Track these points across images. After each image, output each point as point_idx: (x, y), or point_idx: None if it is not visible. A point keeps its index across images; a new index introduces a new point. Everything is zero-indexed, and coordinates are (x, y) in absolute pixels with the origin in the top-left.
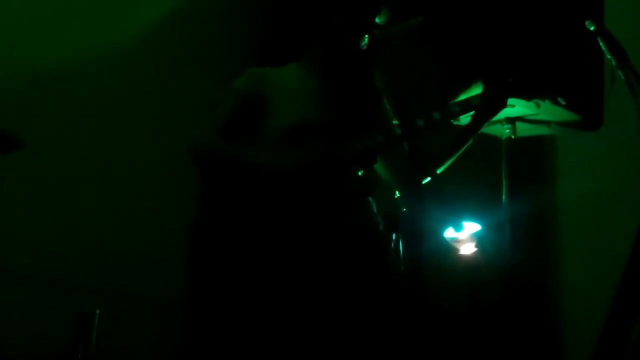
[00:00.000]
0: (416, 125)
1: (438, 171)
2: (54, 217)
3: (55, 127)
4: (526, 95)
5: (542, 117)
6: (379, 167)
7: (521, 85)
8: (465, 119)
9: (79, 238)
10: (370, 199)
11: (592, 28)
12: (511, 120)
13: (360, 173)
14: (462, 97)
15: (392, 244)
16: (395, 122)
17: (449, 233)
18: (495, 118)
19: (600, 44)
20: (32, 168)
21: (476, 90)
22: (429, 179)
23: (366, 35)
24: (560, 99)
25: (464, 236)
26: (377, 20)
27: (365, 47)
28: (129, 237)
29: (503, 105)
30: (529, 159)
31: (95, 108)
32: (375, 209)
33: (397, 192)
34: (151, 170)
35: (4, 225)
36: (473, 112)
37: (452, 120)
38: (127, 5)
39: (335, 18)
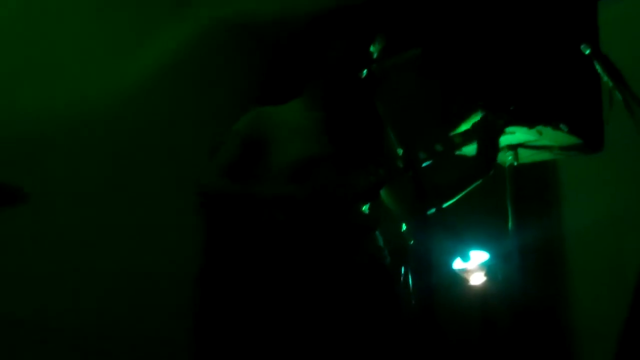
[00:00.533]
0: (419, 158)
1: (444, 205)
2: (58, 269)
3: (57, 178)
4: (529, 123)
5: (544, 142)
6: (386, 199)
7: (523, 113)
8: (467, 148)
9: (82, 290)
10: (376, 233)
11: (587, 52)
12: (513, 147)
13: (365, 208)
14: (464, 126)
15: (402, 277)
16: (400, 152)
17: (457, 264)
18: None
19: (597, 67)
20: (34, 221)
21: (476, 118)
22: (433, 210)
23: (364, 67)
24: (562, 125)
25: (473, 266)
26: (372, 49)
27: (364, 78)
28: (133, 288)
29: (501, 132)
30: (533, 185)
31: (99, 156)
32: (381, 243)
33: (404, 225)
34: (155, 218)
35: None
36: (475, 142)
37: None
38: (128, 50)
39: (331, 51)
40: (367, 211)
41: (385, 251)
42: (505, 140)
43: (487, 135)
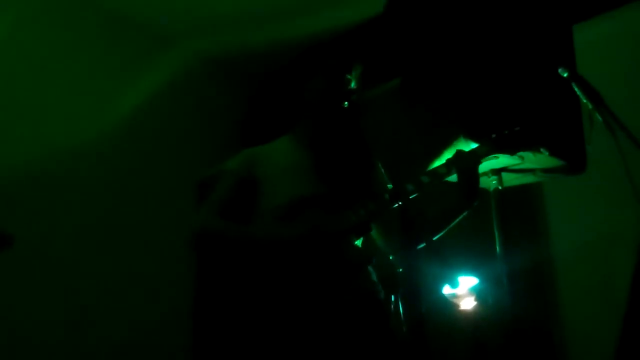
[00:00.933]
0: (406, 190)
1: (434, 238)
2: (47, 314)
3: (43, 222)
4: (510, 150)
5: (527, 165)
6: (373, 232)
7: (504, 141)
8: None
9: (72, 334)
10: (369, 267)
11: (565, 75)
12: (497, 172)
13: (357, 242)
14: (446, 154)
15: (392, 306)
16: (387, 184)
17: (446, 290)
18: (481, 171)
19: (575, 89)
20: (20, 266)
21: (459, 146)
22: (424, 244)
23: (344, 99)
24: (542, 149)
25: (463, 291)
26: (351, 80)
27: (346, 110)
28: (125, 328)
29: (479, 162)
30: (519, 208)
31: (84, 199)
32: (374, 278)
33: (391, 255)
34: (143, 258)
35: None
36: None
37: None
38: (112, 89)
39: (310, 89)
40: (359, 246)
41: (379, 286)
42: (488, 164)
43: (466, 166)
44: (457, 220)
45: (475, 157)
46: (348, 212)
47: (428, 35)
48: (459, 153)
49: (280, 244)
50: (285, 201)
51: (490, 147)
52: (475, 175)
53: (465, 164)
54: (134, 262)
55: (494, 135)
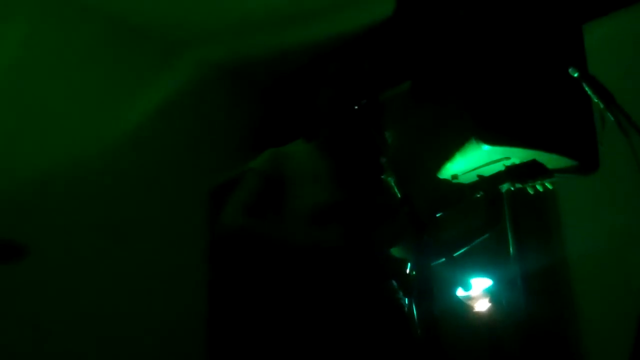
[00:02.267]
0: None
1: (455, 254)
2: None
3: (53, 231)
4: (522, 180)
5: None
6: None
7: (521, 173)
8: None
9: (83, 343)
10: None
11: (575, 75)
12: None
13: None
14: (458, 157)
15: (406, 308)
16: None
17: (460, 292)
18: (495, 172)
19: (586, 89)
20: (35, 275)
21: (471, 149)
22: (443, 259)
23: (355, 104)
24: (557, 175)
25: (477, 293)
26: (361, 81)
27: (358, 115)
28: (137, 335)
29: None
30: (531, 209)
31: (94, 209)
32: (396, 285)
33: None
34: (156, 266)
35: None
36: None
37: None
38: (122, 99)
39: (321, 98)
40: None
41: (400, 293)
42: (500, 166)
43: (493, 190)
44: (478, 241)
45: (497, 182)
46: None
47: (438, 37)
48: (483, 179)
49: (312, 245)
50: (315, 203)
51: (508, 178)
52: (499, 200)
53: (491, 188)
54: (146, 271)
55: (509, 165)
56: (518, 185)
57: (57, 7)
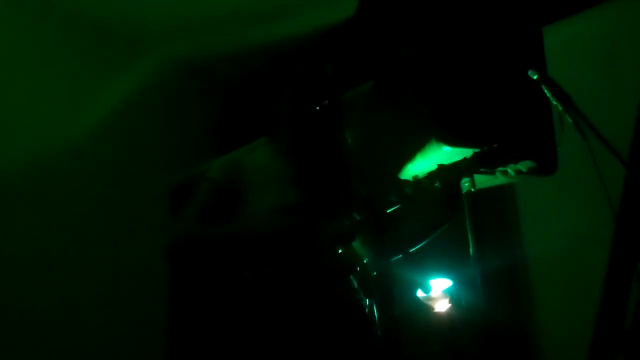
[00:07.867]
0: (389, 201)
1: (412, 250)
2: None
3: (9, 229)
4: (490, 167)
5: (499, 167)
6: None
7: (485, 158)
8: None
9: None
10: (351, 276)
11: (535, 77)
12: (469, 174)
13: (340, 251)
14: (419, 158)
15: (367, 309)
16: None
17: (420, 293)
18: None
19: (545, 91)
20: None
21: (432, 150)
22: (400, 256)
23: (316, 104)
24: (520, 165)
25: (437, 293)
26: (323, 80)
27: (320, 115)
28: (98, 337)
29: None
30: (491, 209)
31: (57, 205)
32: (356, 285)
33: (365, 258)
34: (114, 266)
35: None
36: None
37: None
38: (84, 94)
39: (284, 89)
40: (342, 254)
41: (360, 293)
42: None
43: (448, 180)
44: (436, 233)
45: (457, 172)
46: (334, 222)
47: (399, 37)
48: (442, 167)
49: (264, 240)
50: (269, 207)
51: (471, 163)
52: (457, 190)
53: (448, 178)
54: (105, 270)
55: (476, 152)
56: (485, 177)
57: (20, 3)
